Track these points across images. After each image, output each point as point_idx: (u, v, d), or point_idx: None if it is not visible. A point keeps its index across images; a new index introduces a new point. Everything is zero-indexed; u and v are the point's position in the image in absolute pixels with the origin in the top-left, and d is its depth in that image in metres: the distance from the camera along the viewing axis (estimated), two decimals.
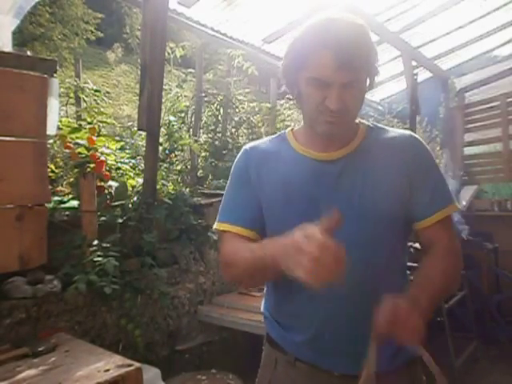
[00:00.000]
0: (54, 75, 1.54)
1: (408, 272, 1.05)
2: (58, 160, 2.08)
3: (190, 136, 3.02)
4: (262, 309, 1.08)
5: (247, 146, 1.06)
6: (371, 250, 0.92)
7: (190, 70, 3.62)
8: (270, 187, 0.98)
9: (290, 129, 1.07)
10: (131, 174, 2.13)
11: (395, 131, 1.01)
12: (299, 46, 0.89)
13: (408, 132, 1.01)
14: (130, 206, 1.97)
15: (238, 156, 1.06)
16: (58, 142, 2.04)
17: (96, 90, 2.30)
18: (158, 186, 2.15)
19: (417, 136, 1.01)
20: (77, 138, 1.87)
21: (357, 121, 1.01)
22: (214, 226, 1.03)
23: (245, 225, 0.98)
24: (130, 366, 1.10)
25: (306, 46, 0.87)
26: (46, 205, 1.49)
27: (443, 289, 0.93)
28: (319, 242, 0.67)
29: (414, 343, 0.80)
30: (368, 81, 0.93)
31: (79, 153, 1.82)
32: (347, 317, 0.92)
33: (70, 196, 1.91)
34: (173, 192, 2.24)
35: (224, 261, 0.98)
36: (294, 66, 0.91)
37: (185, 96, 3.23)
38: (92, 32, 15.38)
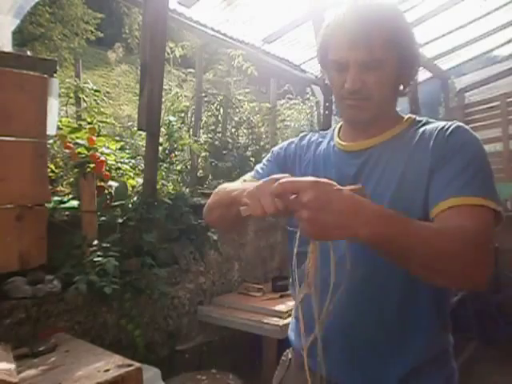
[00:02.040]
0: (54, 75, 1.54)
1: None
2: (58, 160, 2.08)
3: (189, 136, 3.01)
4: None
5: (302, 134, 1.09)
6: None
7: (190, 69, 3.62)
8: (300, 174, 0.98)
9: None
10: (131, 174, 2.12)
11: (441, 123, 0.88)
12: (324, 31, 0.88)
13: (454, 122, 0.87)
14: (130, 206, 1.97)
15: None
16: (57, 142, 2.04)
17: (96, 90, 2.30)
18: (158, 186, 2.15)
19: (462, 125, 0.86)
20: (77, 137, 1.87)
21: (406, 116, 0.95)
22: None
23: None
24: (129, 366, 1.10)
25: (328, 29, 0.87)
26: (46, 205, 1.49)
27: (425, 242, 0.68)
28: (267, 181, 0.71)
29: (309, 232, 0.64)
30: (400, 66, 0.84)
31: (79, 153, 1.82)
32: (347, 337, 0.87)
33: (70, 196, 1.91)
34: (173, 192, 2.24)
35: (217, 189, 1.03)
36: (322, 53, 0.91)
37: (185, 96, 3.23)
38: (92, 32, 15.38)
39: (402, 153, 0.86)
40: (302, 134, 1.09)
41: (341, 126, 1.02)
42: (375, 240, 0.64)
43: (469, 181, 0.78)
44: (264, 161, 1.10)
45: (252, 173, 1.10)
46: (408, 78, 0.89)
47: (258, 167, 1.10)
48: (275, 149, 1.10)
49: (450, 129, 0.84)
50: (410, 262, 0.69)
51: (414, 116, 0.95)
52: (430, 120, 0.93)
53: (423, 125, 0.91)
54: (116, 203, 1.94)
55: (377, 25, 0.81)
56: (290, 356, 1.04)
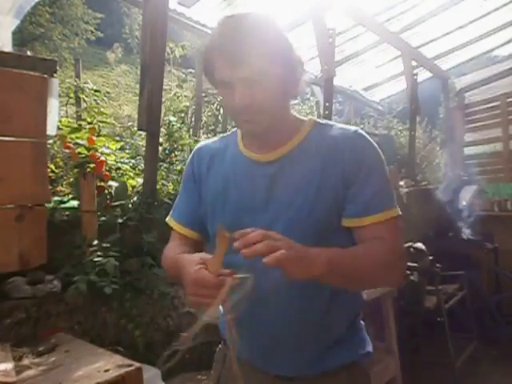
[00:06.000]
0: (54, 75, 1.54)
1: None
2: (58, 160, 2.08)
3: (189, 136, 3.01)
4: None
5: (197, 146, 1.11)
6: None
7: (189, 70, 3.62)
8: (212, 186, 1.02)
9: None
10: (131, 174, 2.13)
11: (341, 128, 0.97)
12: (205, 55, 0.92)
13: (353, 128, 0.97)
14: (130, 206, 1.97)
15: (189, 156, 1.12)
16: (58, 142, 2.04)
17: (96, 90, 2.30)
18: (158, 186, 2.15)
19: (361, 132, 0.96)
20: (77, 137, 1.87)
21: (305, 118, 1.00)
22: (166, 220, 1.16)
23: (185, 224, 1.09)
24: (129, 366, 1.10)
25: (209, 52, 0.90)
26: (46, 205, 1.49)
27: (362, 267, 0.86)
28: (202, 282, 0.79)
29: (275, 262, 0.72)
30: (285, 73, 0.88)
31: (79, 153, 1.82)
32: (283, 323, 0.93)
33: (70, 196, 1.91)
34: (173, 192, 2.24)
35: (163, 254, 1.12)
36: (208, 75, 0.93)
37: (185, 96, 3.23)
38: (92, 32, 15.39)
39: (314, 161, 0.92)
40: (198, 146, 1.10)
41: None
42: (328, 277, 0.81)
43: (384, 196, 0.92)
44: (178, 198, 1.14)
45: (171, 214, 1.14)
46: (295, 81, 0.92)
47: (175, 207, 1.14)
48: (183, 176, 1.12)
49: (353, 139, 0.93)
50: (350, 280, 0.87)
51: (314, 118, 1.01)
52: (328, 123, 0.99)
53: (327, 128, 0.97)
54: (116, 203, 1.94)
55: (253, 40, 0.84)
56: (224, 352, 1.07)
